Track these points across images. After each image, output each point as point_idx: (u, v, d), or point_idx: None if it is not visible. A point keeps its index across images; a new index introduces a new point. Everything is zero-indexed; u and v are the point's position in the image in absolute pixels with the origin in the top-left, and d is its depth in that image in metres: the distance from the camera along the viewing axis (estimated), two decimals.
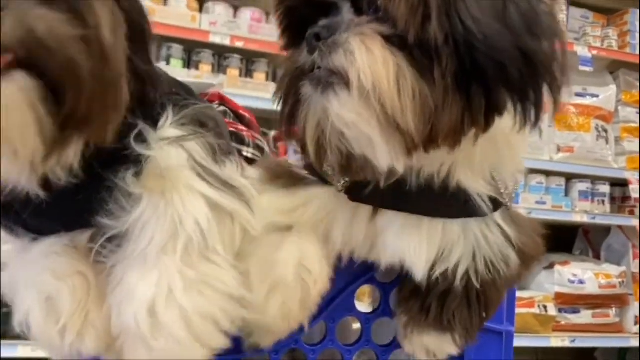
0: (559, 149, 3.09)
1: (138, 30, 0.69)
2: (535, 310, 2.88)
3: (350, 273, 0.85)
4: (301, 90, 0.64)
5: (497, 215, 0.76)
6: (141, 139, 0.71)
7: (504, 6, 0.59)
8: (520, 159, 0.78)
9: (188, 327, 0.67)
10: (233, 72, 2.78)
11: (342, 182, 0.76)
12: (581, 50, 3.04)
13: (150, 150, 0.71)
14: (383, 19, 0.60)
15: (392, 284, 0.87)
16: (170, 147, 0.72)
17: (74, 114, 0.60)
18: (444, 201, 0.73)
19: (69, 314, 0.71)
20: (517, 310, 2.82)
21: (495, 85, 0.60)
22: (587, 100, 3.17)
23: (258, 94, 2.69)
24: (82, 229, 0.74)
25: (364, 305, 0.94)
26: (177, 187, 0.70)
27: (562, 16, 3.14)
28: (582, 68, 3.02)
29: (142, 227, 0.69)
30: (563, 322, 2.98)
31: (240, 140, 0.98)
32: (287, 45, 0.71)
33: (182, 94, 0.81)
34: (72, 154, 0.65)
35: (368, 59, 0.58)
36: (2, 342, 2.25)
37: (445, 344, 0.81)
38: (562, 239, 3.38)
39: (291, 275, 0.75)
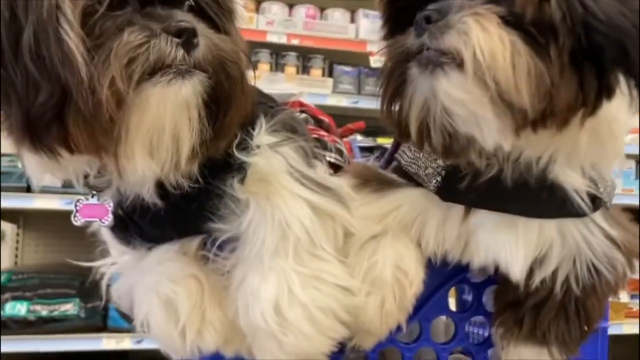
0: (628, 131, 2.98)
1: None
2: None
3: (443, 273, 0.88)
4: (407, 72, 0.66)
5: (597, 216, 0.76)
6: (242, 146, 0.77)
7: None
8: (621, 148, 0.77)
9: (312, 322, 0.73)
10: (290, 69, 2.82)
11: (434, 181, 0.78)
12: None
13: (251, 157, 0.76)
14: (495, 0, 0.62)
15: (485, 283, 0.89)
16: (267, 154, 0.77)
17: (227, 122, 0.70)
18: (540, 199, 0.74)
19: (187, 314, 0.77)
20: None
21: (611, 65, 0.61)
22: None
23: (315, 90, 2.73)
24: (194, 235, 0.80)
25: None
26: (279, 192, 0.75)
27: None
28: None
29: (253, 230, 0.74)
30: (635, 309, 2.90)
31: (323, 146, 1.02)
32: (387, 35, 0.74)
33: (268, 102, 0.86)
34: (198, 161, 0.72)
35: (484, 37, 0.59)
36: (86, 335, 2.41)
37: (543, 358, 0.81)
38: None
39: (389, 276, 0.78)
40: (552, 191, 0.74)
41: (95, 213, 0.79)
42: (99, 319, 2.44)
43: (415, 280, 0.80)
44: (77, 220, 0.79)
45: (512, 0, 0.60)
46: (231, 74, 0.69)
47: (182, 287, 0.78)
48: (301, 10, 2.84)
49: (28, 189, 2.44)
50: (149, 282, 0.80)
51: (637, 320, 2.86)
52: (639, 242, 0.82)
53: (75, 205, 0.79)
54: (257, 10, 2.81)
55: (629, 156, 2.98)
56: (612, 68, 0.61)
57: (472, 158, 0.69)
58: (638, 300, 2.92)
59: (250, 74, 0.77)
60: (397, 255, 0.79)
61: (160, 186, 0.74)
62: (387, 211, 0.81)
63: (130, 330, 2.37)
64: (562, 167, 0.73)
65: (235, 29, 0.76)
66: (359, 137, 2.85)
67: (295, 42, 2.77)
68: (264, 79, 2.70)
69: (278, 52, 2.84)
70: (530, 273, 0.76)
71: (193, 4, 0.70)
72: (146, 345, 2.40)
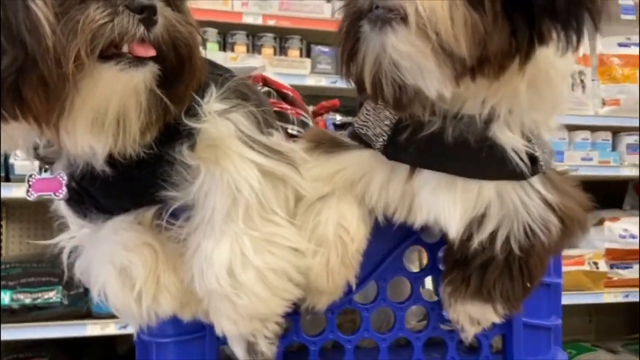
0: (604, 103, 3.00)
1: None
2: (586, 267, 2.85)
3: (399, 234, 0.89)
4: (360, 30, 0.70)
5: (535, 180, 0.79)
6: (191, 113, 0.78)
7: None
8: (561, 99, 0.79)
9: (265, 283, 0.75)
10: (267, 51, 2.81)
11: (381, 140, 0.81)
12: None
13: (200, 123, 0.77)
14: None
15: (438, 243, 0.91)
16: (217, 119, 0.78)
17: (179, 96, 0.73)
18: (480, 159, 0.77)
19: (142, 281, 0.79)
20: (568, 269, 2.82)
21: (540, 14, 0.65)
22: (631, 50, 3.05)
23: (293, 70, 2.73)
24: (148, 205, 0.81)
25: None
26: (228, 155, 0.76)
27: None
28: (624, 17, 2.91)
29: (204, 196, 0.76)
30: (615, 278, 2.94)
31: (285, 119, 1.03)
32: None
33: (221, 72, 0.87)
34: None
35: None
36: (70, 322, 2.41)
37: (488, 314, 0.85)
38: (612, 195, 3.30)
39: (331, 234, 0.80)
40: (491, 151, 0.76)
41: (49, 187, 0.79)
42: (83, 306, 2.45)
43: (356, 237, 0.82)
44: (31, 195, 0.80)
45: None
46: (182, 53, 0.72)
47: (136, 255, 0.80)
48: None
49: (7, 178, 2.43)
50: (104, 252, 0.81)
51: (619, 289, 2.91)
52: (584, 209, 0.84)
53: (28, 181, 0.79)
54: None
55: (604, 128, 3.02)
56: (542, 16, 0.65)
57: (419, 110, 0.72)
58: (619, 270, 2.97)
59: (202, 50, 0.79)
60: (339, 214, 0.81)
61: (110, 154, 0.74)
62: (335, 171, 0.84)
63: (114, 315, 2.38)
64: (501, 126, 0.76)
65: (186, 5, 0.78)
66: (338, 117, 2.86)
67: (271, 22, 2.75)
68: (240, 61, 2.69)
69: (254, 34, 2.83)
70: (471, 234, 0.78)
71: None
72: (131, 330, 2.42)
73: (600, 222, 2.97)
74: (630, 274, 2.96)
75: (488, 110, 0.74)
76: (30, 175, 0.79)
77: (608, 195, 3.28)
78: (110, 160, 0.75)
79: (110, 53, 0.66)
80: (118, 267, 0.79)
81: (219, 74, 0.85)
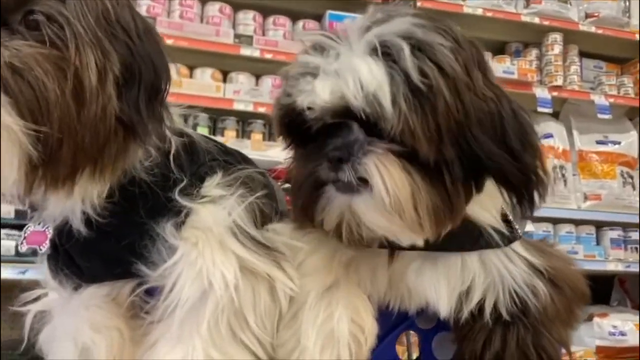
0: (586, 197, 3.06)
1: (146, 83, 0.70)
2: None
3: (390, 320, 0.85)
4: (322, 191, 0.72)
5: (518, 246, 0.78)
6: (185, 192, 0.75)
7: (502, 131, 0.69)
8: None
9: None
10: (257, 136, 2.87)
11: None
12: (598, 99, 3.07)
13: (193, 204, 0.75)
14: (394, 139, 0.67)
15: (433, 330, 0.87)
16: (210, 205, 0.75)
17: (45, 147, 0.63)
18: (458, 236, 0.75)
19: None
20: None
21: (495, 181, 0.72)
22: (609, 147, 3.16)
23: (281, 155, 2.77)
24: (125, 277, 0.76)
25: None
26: (209, 240, 0.73)
27: (575, 67, 3.19)
28: (600, 116, 3.04)
29: (174, 279, 0.71)
30: None
31: None
32: (288, 146, 0.80)
33: (233, 161, 0.84)
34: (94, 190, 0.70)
35: (389, 181, 0.67)
36: None
37: None
38: (598, 290, 3.27)
39: (344, 331, 0.75)
40: (468, 227, 0.76)
41: (38, 240, 0.78)
42: None
43: (370, 336, 0.78)
44: (23, 247, 0.78)
45: (414, 147, 0.66)
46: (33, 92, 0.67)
47: (103, 338, 0.75)
48: (268, 81, 2.92)
49: None
50: (69, 326, 0.76)
51: None
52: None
53: (25, 232, 0.78)
54: (224, 79, 2.88)
55: (587, 222, 3.05)
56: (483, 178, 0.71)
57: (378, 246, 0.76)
58: None
59: None
60: (353, 310, 0.77)
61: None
62: (330, 259, 0.80)
63: None
64: (474, 208, 0.76)
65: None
66: None
67: (262, 109, 2.82)
68: (230, 145, 2.73)
69: (245, 120, 2.89)
70: (461, 307, 0.77)
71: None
72: None
73: (590, 318, 2.91)
74: None
75: None
76: (28, 227, 0.77)
77: (595, 290, 3.26)
78: (89, 220, 0.72)
79: None
80: (80, 346, 0.74)
81: (229, 161, 0.83)
